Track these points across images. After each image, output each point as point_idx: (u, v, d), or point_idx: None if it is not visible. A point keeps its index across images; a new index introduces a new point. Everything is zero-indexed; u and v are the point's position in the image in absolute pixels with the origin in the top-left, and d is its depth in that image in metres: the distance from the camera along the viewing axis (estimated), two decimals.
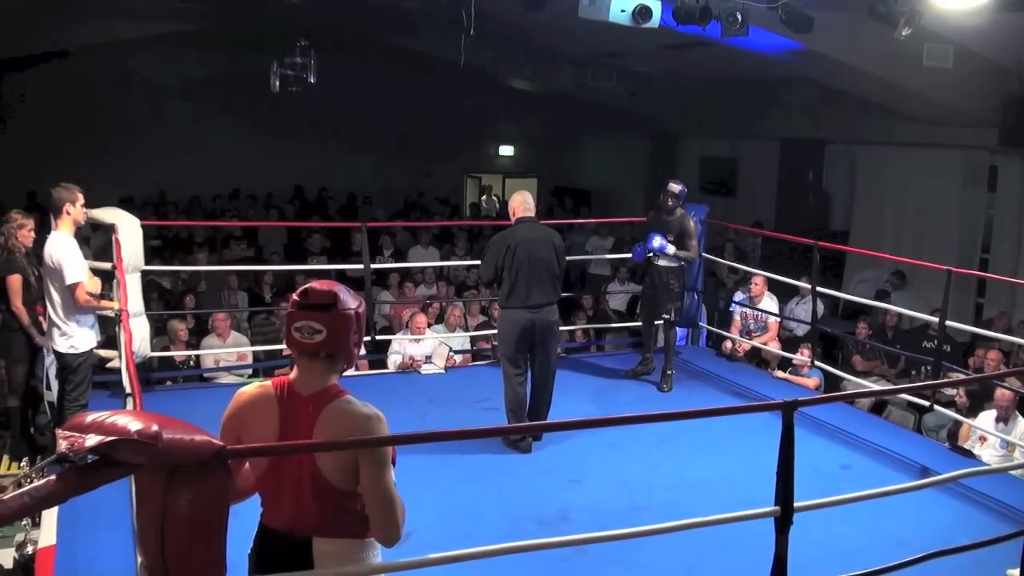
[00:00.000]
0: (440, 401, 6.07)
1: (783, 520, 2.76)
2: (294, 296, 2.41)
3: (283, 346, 7.32)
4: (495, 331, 7.88)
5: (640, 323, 6.99)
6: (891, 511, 4.07)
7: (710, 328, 7.95)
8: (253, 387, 2.44)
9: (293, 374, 2.40)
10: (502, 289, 5.29)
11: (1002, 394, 5.51)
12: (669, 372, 6.48)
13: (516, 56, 12.64)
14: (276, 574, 2.33)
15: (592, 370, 6.96)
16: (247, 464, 2.40)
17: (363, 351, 7.40)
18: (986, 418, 5.64)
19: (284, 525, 2.37)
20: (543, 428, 5.36)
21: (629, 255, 7.56)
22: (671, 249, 6.37)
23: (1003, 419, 5.51)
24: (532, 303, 5.21)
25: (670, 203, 6.49)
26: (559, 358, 5.74)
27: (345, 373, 2.49)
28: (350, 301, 2.40)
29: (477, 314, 8.59)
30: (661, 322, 6.64)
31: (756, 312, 7.47)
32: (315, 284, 2.42)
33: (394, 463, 2.44)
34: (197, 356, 7.23)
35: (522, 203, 5.41)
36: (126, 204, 8.97)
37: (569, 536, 3.00)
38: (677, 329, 6.86)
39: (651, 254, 6.45)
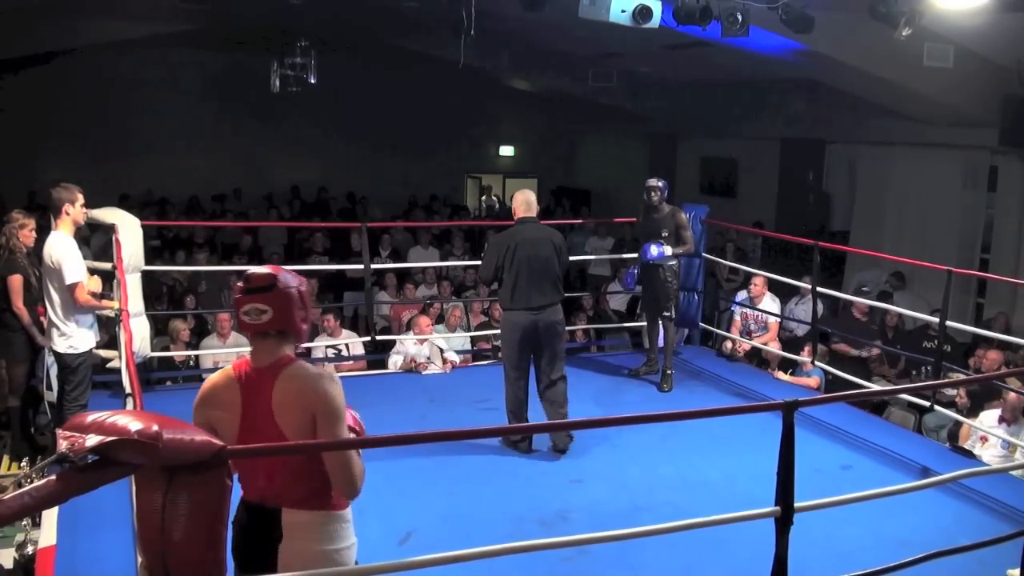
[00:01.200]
0: (440, 401, 6.07)
1: (783, 520, 2.76)
2: (238, 283, 2.58)
3: None
4: (496, 331, 7.92)
5: (644, 323, 6.99)
6: (892, 511, 4.07)
7: (710, 328, 7.95)
8: (216, 374, 2.60)
9: (250, 354, 2.56)
10: (503, 291, 5.22)
11: (1017, 398, 5.47)
12: (669, 372, 6.48)
13: (516, 56, 12.64)
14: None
15: (592, 370, 6.96)
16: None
17: (362, 351, 7.41)
18: (987, 418, 5.63)
19: (257, 497, 2.50)
20: (543, 428, 5.36)
21: (632, 255, 7.59)
22: (668, 251, 6.38)
23: (1008, 421, 5.49)
24: (534, 304, 5.14)
25: (655, 198, 6.51)
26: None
27: (330, 369, 2.54)
28: (290, 280, 2.56)
29: (479, 314, 8.58)
30: (662, 320, 6.65)
31: (756, 312, 7.47)
32: (255, 269, 2.60)
33: (359, 433, 2.60)
34: (197, 356, 7.23)
35: (523, 203, 5.36)
36: (125, 203, 8.96)
37: (570, 536, 3.00)
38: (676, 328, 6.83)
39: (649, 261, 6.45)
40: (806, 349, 6.90)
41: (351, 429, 2.55)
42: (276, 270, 2.58)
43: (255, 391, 2.47)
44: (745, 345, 7.38)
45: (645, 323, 6.99)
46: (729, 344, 7.45)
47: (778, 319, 7.60)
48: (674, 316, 6.59)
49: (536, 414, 5.36)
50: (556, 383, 5.23)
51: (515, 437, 5.21)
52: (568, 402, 5.27)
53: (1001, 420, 5.52)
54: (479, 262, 7.92)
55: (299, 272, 2.73)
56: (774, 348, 7.24)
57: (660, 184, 6.59)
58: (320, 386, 2.45)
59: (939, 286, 5.98)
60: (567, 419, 5.19)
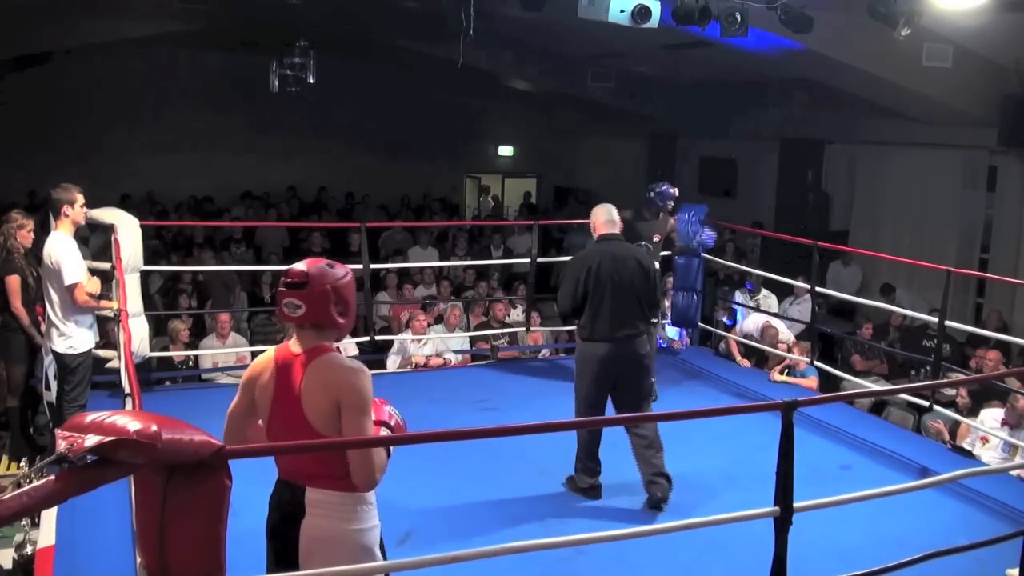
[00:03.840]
0: (440, 401, 6.06)
1: (782, 520, 2.76)
2: (283, 277, 2.69)
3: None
4: (495, 332, 7.92)
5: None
6: (890, 511, 4.08)
7: (709, 328, 7.94)
8: (261, 356, 2.75)
9: (291, 341, 2.69)
10: (582, 319, 4.62)
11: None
12: (651, 380, 6.15)
13: (515, 56, 12.64)
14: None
15: None
16: (260, 422, 2.69)
17: (356, 351, 7.40)
18: (986, 418, 5.62)
19: (286, 474, 2.65)
20: (542, 429, 5.31)
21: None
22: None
23: (1011, 425, 5.47)
24: (619, 335, 4.53)
25: (671, 206, 6.44)
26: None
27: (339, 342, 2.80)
28: (327, 276, 2.63)
29: (479, 315, 8.58)
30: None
31: (755, 313, 7.47)
32: (298, 264, 2.69)
33: (393, 429, 2.69)
34: (196, 356, 7.22)
35: (606, 217, 4.80)
36: (124, 203, 8.95)
37: (568, 536, 3.00)
38: (674, 329, 6.75)
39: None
40: (799, 348, 6.90)
41: (383, 423, 2.66)
42: (312, 266, 2.65)
43: (287, 376, 2.59)
44: (734, 345, 7.39)
45: None
46: (732, 344, 7.45)
47: (777, 319, 7.60)
48: (657, 320, 6.37)
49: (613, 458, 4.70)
50: (645, 433, 4.55)
51: (584, 484, 4.64)
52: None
53: (1004, 423, 5.50)
54: (478, 262, 7.85)
55: None
56: (773, 348, 7.23)
57: (677, 194, 6.49)
58: (347, 376, 2.55)
59: (938, 286, 5.99)
60: (660, 466, 4.50)
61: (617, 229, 4.82)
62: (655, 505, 4.49)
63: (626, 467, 4.97)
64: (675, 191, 6.46)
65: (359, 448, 2.52)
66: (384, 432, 2.65)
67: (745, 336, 7.50)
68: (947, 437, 5.84)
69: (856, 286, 10.03)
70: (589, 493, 4.64)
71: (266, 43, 11.38)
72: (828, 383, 6.94)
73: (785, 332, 7.37)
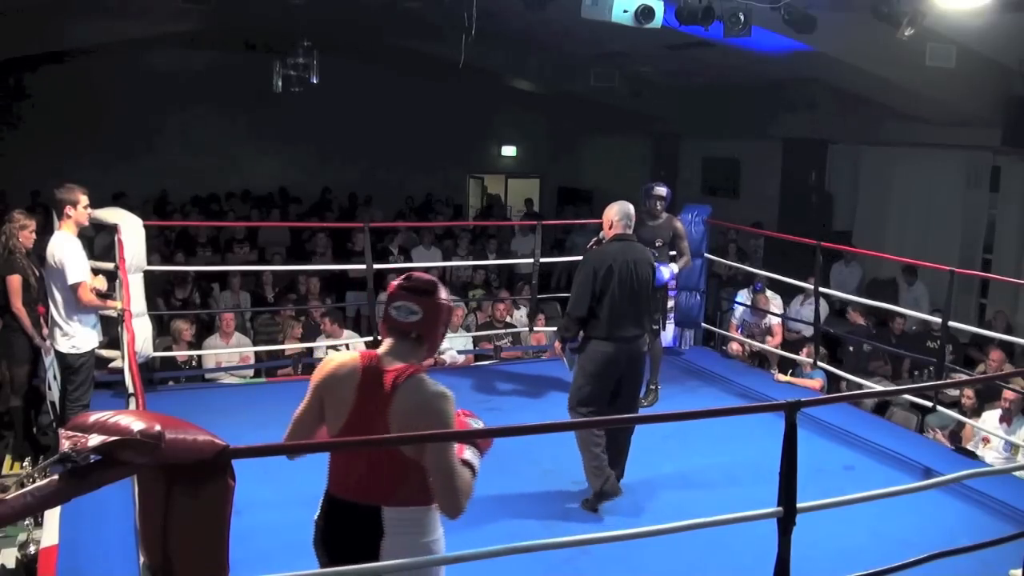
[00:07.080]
0: None
1: (786, 521, 2.76)
2: (397, 280, 2.64)
3: (283, 347, 7.36)
4: (497, 332, 7.92)
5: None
6: (894, 512, 4.07)
7: (712, 328, 7.94)
8: (344, 354, 2.66)
9: (381, 349, 2.59)
10: (594, 318, 4.56)
11: (1013, 396, 5.47)
12: (653, 387, 6.09)
13: (518, 56, 12.64)
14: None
15: None
16: (324, 428, 2.60)
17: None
18: (989, 419, 5.62)
19: (352, 494, 2.52)
20: (546, 429, 5.30)
21: None
22: (674, 268, 6.08)
23: (1007, 420, 5.50)
24: (629, 334, 4.54)
25: (659, 207, 6.17)
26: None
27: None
28: (444, 294, 2.64)
29: (484, 315, 8.57)
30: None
31: (759, 314, 7.47)
32: (418, 272, 2.67)
33: (483, 451, 2.69)
34: (199, 356, 7.22)
35: (623, 216, 4.66)
36: (120, 202, 8.92)
37: (571, 537, 3.00)
38: (671, 329, 6.76)
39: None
40: (806, 350, 6.90)
41: (474, 445, 2.64)
42: (435, 279, 2.64)
43: (374, 390, 2.50)
44: (737, 346, 7.38)
45: None
46: (734, 345, 7.45)
47: (780, 320, 7.60)
48: (662, 328, 6.27)
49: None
50: (625, 432, 4.63)
51: (598, 490, 4.51)
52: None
53: (1001, 420, 5.52)
54: (483, 262, 7.77)
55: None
56: (776, 349, 7.23)
57: (667, 192, 6.25)
58: (440, 406, 2.47)
59: (941, 286, 5.98)
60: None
61: (632, 230, 4.72)
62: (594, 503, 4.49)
63: (627, 466, 4.97)
64: (659, 189, 6.22)
65: (353, 447, 2.51)
66: (467, 469, 2.57)
67: (741, 325, 7.50)
68: (947, 444, 5.84)
69: (855, 284, 10.04)
70: (605, 496, 4.49)
71: (269, 44, 11.37)
72: (832, 384, 6.94)
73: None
